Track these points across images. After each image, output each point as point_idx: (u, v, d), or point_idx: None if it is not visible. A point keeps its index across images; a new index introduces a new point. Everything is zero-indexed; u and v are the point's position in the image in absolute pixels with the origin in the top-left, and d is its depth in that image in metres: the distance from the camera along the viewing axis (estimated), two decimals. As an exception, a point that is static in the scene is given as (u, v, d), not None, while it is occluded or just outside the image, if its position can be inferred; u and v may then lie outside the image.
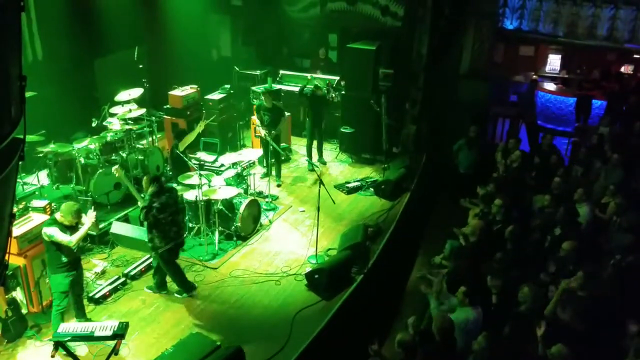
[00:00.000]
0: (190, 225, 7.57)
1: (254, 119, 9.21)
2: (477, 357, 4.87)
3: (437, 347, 5.06)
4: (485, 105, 11.41)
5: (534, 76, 12.00)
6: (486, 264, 6.43)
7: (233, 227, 7.47)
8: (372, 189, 9.11)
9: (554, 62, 12.65)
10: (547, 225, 6.86)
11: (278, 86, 10.80)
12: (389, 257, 7.45)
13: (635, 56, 11.96)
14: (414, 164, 9.73)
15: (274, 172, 9.22)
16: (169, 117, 9.62)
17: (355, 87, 10.12)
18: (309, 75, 10.25)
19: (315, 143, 9.94)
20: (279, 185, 9.19)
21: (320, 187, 7.05)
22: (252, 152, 9.03)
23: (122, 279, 6.65)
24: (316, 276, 6.59)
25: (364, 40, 10.28)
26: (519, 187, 8.28)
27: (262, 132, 8.73)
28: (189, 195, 7.33)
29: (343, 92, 10.47)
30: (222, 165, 8.55)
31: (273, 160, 9.14)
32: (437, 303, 5.78)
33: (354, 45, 10.13)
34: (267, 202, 8.50)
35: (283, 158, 9.12)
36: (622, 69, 12.19)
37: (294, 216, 8.35)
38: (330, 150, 10.52)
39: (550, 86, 12.30)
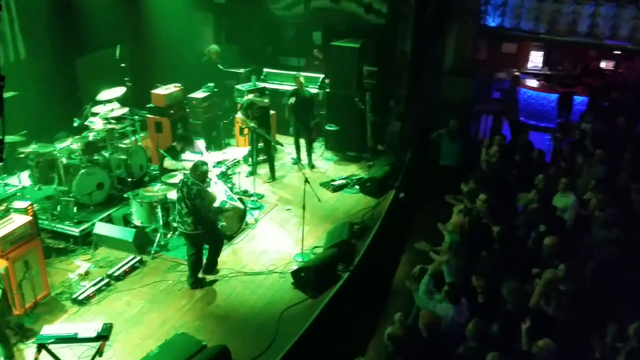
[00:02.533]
0: (175, 224, 7.51)
1: (238, 117, 9.16)
2: (470, 344, 4.90)
3: (425, 343, 5.09)
4: (469, 102, 11.48)
5: (516, 73, 12.10)
6: (474, 260, 6.48)
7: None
8: (357, 187, 9.12)
9: (536, 58, 12.78)
10: (531, 222, 6.91)
11: (262, 84, 10.74)
12: (375, 254, 7.47)
13: (615, 52, 12.12)
14: (399, 161, 9.76)
15: (260, 171, 9.21)
16: (152, 116, 9.52)
17: (340, 84, 10.12)
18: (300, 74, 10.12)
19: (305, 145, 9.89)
20: (269, 182, 9.17)
21: (305, 185, 7.05)
22: (237, 151, 8.99)
23: (106, 280, 6.58)
24: (302, 274, 6.59)
25: (348, 38, 10.28)
26: (501, 183, 8.34)
27: (250, 124, 8.74)
28: (173, 195, 7.26)
29: (328, 90, 10.47)
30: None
31: (265, 157, 9.13)
32: (425, 297, 5.78)
33: (338, 43, 10.12)
34: (252, 200, 8.47)
35: (278, 146, 9.14)
36: (603, 65, 12.34)
37: (280, 215, 8.33)
38: (316, 148, 10.50)
39: (532, 83, 12.41)
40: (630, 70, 11.97)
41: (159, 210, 7.24)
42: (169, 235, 7.48)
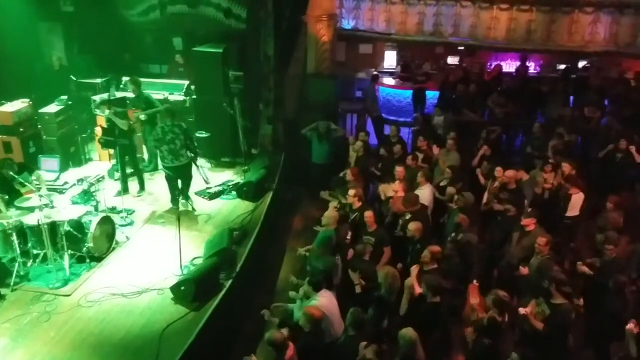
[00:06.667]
0: (35, 252, 6.88)
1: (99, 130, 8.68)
2: (349, 332, 5.10)
3: (309, 336, 5.21)
4: (334, 102, 11.91)
5: (374, 72, 12.82)
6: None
7: (85, 249, 6.96)
8: (234, 192, 9.06)
9: (390, 58, 13.64)
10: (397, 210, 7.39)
11: (122, 94, 10.23)
12: (257, 258, 7.49)
13: (459, 48, 13.35)
14: (274, 163, 9.87)
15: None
16: (-1, 136, 8.69)
17: (206, 90, 9.97)
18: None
19: None
20: (139, 195, 8.78)
21: (179, 195, 6.86)
22: (99, 166, 8.49)
23: (-41, 322, 5.88)
24: (182, 288, 6.39)
25: (210, 43, 10.15)
26: (368, 176, 8.80)
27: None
28: (30, 220, 6.66)
29: (194, 97, 10.27)
30: (66, 182, 7.91)
31: (132, 170, 8.70)
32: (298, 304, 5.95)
33: (200, 49, 9.95)
34: (122, 217, 8.04)
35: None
36: (449, 61, 13.54)
37: (153, 229, 7.99)
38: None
39: (389, 80, 13.23)
40: (472, 64, 13.27)
41: (14, 238, 6.59)
42: (29, 264, 6.84)
